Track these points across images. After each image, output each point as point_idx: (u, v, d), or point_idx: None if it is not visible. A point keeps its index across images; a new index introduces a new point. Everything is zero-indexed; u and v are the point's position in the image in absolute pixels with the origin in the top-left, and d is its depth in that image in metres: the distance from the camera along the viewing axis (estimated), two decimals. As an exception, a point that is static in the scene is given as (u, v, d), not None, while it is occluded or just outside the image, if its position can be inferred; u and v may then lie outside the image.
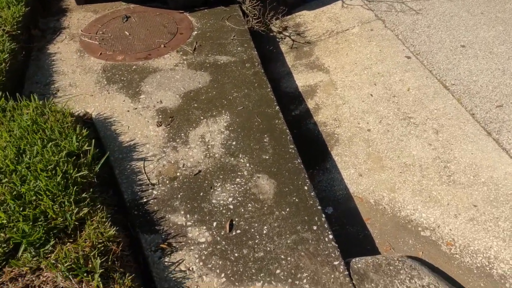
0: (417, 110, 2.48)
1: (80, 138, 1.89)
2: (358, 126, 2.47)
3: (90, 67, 2.67)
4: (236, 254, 1.63)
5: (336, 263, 1.60)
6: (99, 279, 1.34)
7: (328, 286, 1.53)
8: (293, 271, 1.58)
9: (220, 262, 1.60)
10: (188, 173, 1.97)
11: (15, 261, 1.37)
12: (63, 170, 1.68)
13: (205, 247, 1.66)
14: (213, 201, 1.84)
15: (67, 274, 1.34)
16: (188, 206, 1.81)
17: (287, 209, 1.80)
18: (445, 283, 1.58)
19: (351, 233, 1.97)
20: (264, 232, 1.71)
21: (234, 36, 2.98)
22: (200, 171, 1.98)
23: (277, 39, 3.39)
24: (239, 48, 2.86)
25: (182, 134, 2.17)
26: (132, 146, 2.10)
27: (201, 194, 1.87)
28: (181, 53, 2.81)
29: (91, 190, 1.69)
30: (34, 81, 2.54)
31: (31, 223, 1.46)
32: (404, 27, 3.22)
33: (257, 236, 1.69)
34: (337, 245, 1.66)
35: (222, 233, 1.71)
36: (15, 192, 1.57)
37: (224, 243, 1.67)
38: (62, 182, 1.63)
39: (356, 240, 1.93)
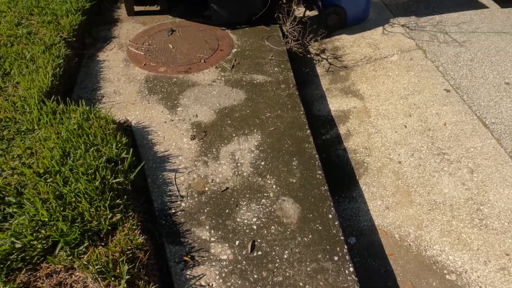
0: (452, 146, 2.42)
1: (119, 145, 2.01)
2: (389, 157, 2.44)
3: (134, 76, 2.83)
4: (255, 276, 1.66)
5: (354, 297, 1.59)
6: (125, 285, 1.41)
7: (344, 320, 1.52)
8: (310, 300, 1.58)
9: (239, 282, 1.63)
10: (216, 188, 2.03)
11: (52, 258, 1.48)
12: (102, 175, 1.79)
13: (226, 264, 1.70)
14: (238, 219, 1.88)
15: (96, 276, 1.42)
16: (213, 221, 1.87)
17: (310, 236, 1.81)
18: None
19: (373, 267, 1.94)
20: (285, 256, 1.73)
21: (272, 56, 3.05)
22: (227, 188, 2.03)
23: (314, 61, 3.43)
24: (275, 69, 2.93)
25: (214, 150, 2.25)
26: (166, 157, 2.20)
27: (227, 211, 1.92)
28: (219, 69, 2.92)
29: (125, 197, 1.78)
30: (83, 86, 2.73)
31: (69, 223, 1.57)
32: (445, 58, 3.16)
33: (278, 260, 1.71)
34: (357, 279, 1.64)
35: (243, 253, 1.74)
36: (57, 192, 1.70)
37: (244, 263, 1.71)
38: (100, 186, 1.74)
39: (377, 275, 1.90)
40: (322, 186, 2.04)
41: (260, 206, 1.94)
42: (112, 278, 1.44)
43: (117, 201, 1.73)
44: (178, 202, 1.95)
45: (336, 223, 1.86)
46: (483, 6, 3.91)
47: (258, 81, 2.80)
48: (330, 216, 1.89)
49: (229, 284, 1.63)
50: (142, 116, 2.48)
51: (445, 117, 2.62)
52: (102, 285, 1.41)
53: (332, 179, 2.26)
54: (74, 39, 2.96)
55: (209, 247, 1.76)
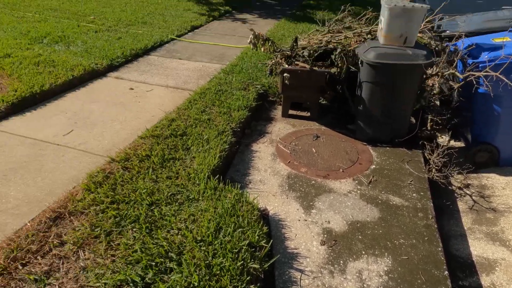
0: None
1: (260, 233, 2.25)
2: (549, 335, 2.02)
3: (278, 170, 3.21)
4: None
5: None
6: None
7: None
8: None
9: None
10: (338, 304, 2.01)
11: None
12: (243, 257, 2.02)
13: None
14: None
15: None
16: None
17: None
18: None
19: None
20: None
21: (411, 181, 3.06)
22: (350, 307, 1.99)
23: (456, 195, 3.26)
24: (414, 195, 2.90)
25: (341, 262, 2.28)
26: (295, 255, 2.32)
27: (347, 333, 1.86)
28: (356, 182, 3.06)
29: (258, 284, 1.94)
30: (236, 169, 3.22)
31: (211, 294, 1.79)
32: None
33: None
34: None
35: None
36: (207, 261, 1.97)
37: None
38: (241, 268, 1.95)
39: None
40: None
41: None
42: None
43: (251, 286, 1.89)
44: (300, 306, 2.00)
45: None
46: None
47: (394, 202, 2.81)
48: None
49: None
50: (279, 209, 2.73)
51: None
52: None
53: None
54: (238, 129, 3.59)
55: None
